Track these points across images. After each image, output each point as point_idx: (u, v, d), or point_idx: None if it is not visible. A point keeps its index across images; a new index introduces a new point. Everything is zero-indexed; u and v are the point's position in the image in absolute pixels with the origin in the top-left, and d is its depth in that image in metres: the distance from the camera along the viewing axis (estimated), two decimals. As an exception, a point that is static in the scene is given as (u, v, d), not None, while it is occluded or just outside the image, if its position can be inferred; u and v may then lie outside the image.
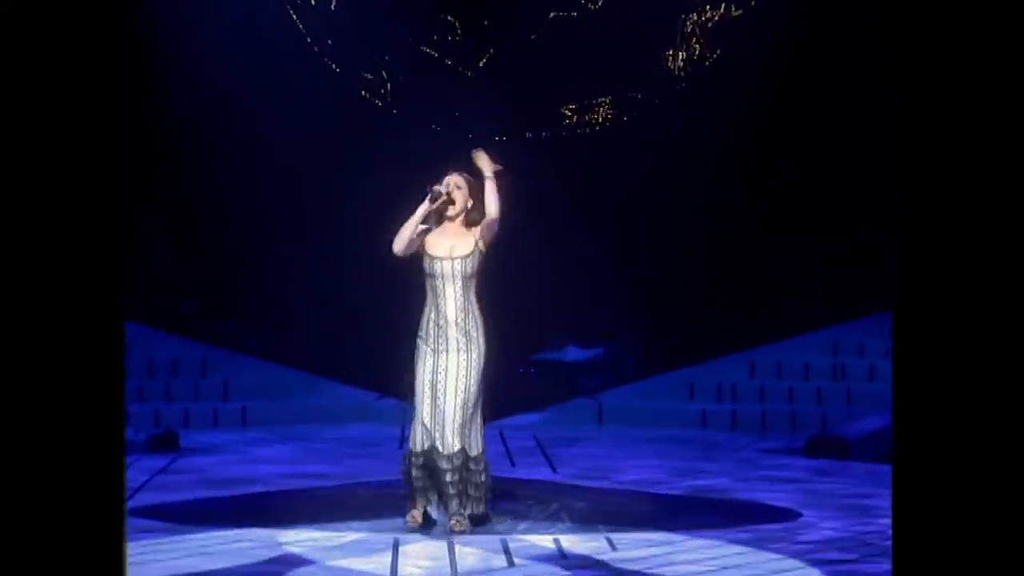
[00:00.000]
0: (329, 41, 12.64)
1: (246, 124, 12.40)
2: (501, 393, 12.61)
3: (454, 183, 7.43)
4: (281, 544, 7.12)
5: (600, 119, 12.91)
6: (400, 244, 7.34)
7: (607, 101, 12.87)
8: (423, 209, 7.34)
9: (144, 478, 8.96)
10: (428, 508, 7.43)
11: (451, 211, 7.40)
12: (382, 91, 12.78)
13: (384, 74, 12.77)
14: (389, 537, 7.27)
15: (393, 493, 7.92)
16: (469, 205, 7.45)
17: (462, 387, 7.34)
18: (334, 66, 12.69)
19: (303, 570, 6.58)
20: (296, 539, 7.23)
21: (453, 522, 7.38)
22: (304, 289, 12.65)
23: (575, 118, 12.90)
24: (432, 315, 7.35)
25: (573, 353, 13.15)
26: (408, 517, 7.43)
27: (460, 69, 12.75)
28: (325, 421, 12.23)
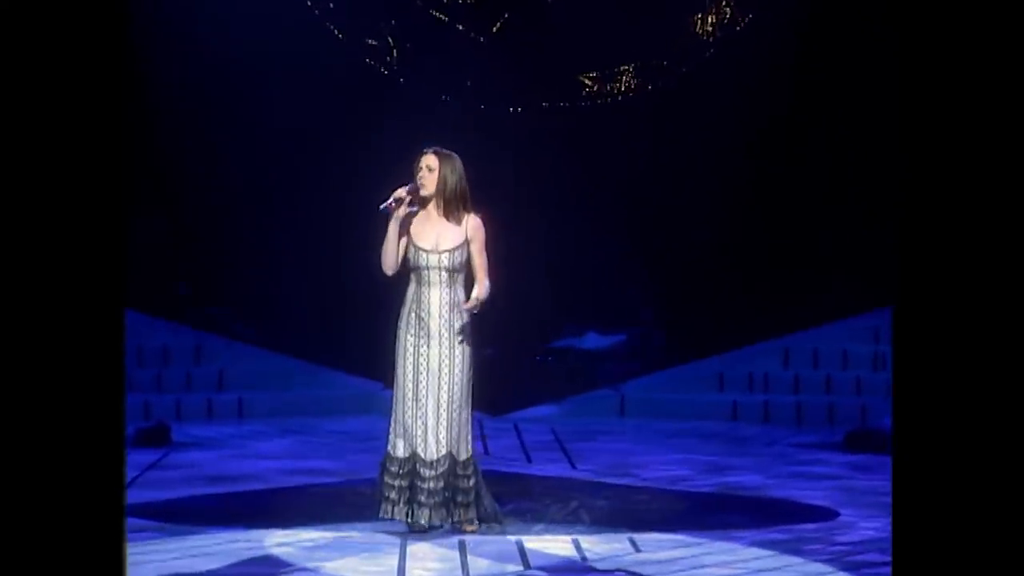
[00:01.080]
0: (331, 4, 12.63)
1: (241, 96, 12.41)
2: (516, 384, 12.71)
3: (426, 165, 7.38)
4: (280, 545, 7.14)
5: (622, 88, 12.89)
6: (388, 266, 7.36)
7: (630, 69, 12.85)
8: (392, 228, 7.33)
9: (133, 474, 8.99)
10: (406, 520, 7.38)
11: (424, 193, 7.37)
12: (387, 59, 12.77)
13: (390, 40, 12.75)
14: (395, 538, 7.28)
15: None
16: (448, 182, 7.34)
17: (445, 384, 7.33)
18: (336, 31, 12.68)
19: (303, 573, 6.60)
20: (296, 540, 7.25)
21: (466, 524, 7.39)
22: (304, 272, 12.66)
23: (595, 87, 12.88)
24: (414, 306, 7.36)
25: (593, 340, 13.16)
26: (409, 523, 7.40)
27: (472, 35, 12.73)
28: (327, 413, 12.25)
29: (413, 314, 7.36)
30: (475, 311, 7.29)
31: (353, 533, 7.40)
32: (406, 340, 7.37)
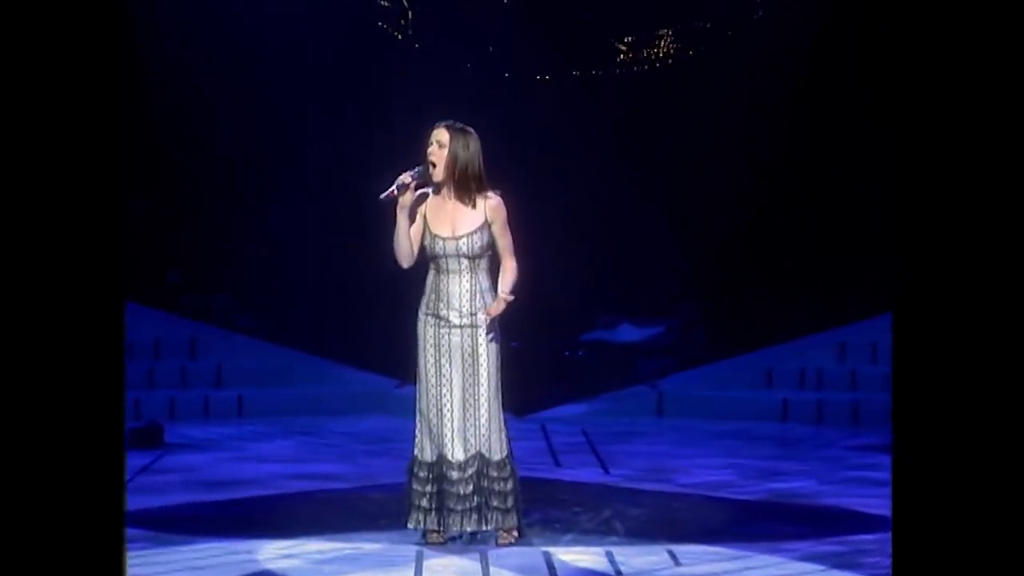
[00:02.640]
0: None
1: (240, 62, 12.43)
2: (543, 381, 12.72)
3: (436, 140, 7.35)
4: (284, 557, 7.16)
5: (661, 55, 12.87)
6: (403, 258, 7.35)
7: (669, 33, 12.84)
8: (401, 217, 7.31)
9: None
10: (437, 531, 7.40)
11: (435, 171, 7.35)
12: (401, 22, 12.78)
13: (404, 1, 12.76)
14: (411, 549, 7.31)
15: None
16: (459, 159, 7.30)
17: (471, 379, 7.35)
18: (344, -8, 12.70)
19: (310, 588, 6.64)
20: (302, 552, 7.27)
21: (503, 533, 7.40)
22: (311, 256, 12.69)
23: (631, 54, 12.87)
24: (433, 296, 7.37)
25: (628, 332, 13.16)
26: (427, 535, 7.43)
27: (494, -5, 12.74)
28: (336, 412, 12.28)
29: (433, 305, 7.37)
30: (504, 313, 7.30)
31: (365, 544, 7.43)
32: (426, 333, 7.38)
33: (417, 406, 7.42)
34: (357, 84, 12.56)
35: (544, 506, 8.19)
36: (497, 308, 7.31)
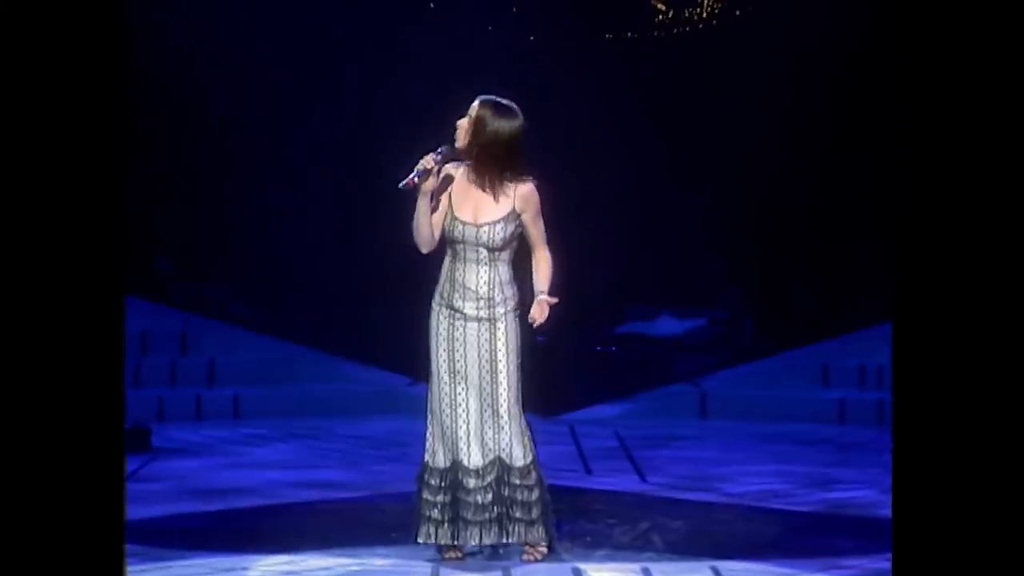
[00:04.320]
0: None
1: (234, 26, 12.43)
2: (572, 379, 12.72)
3: (468, 114, 7.32)
4: (285, 574, 7.18)
5: (704, 14, 12.86)
6: (423, 243, 7.34)
7: (713, -9, 12.83)
8: (423, 202, 7.30)
9: (106, 487, 9.05)
10: (454, 546, 7.41)
11: (458, 147, 7.32)
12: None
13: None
14: (425, 567, 7.32)
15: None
16: (481, 136, 7.27)
17: (488, 376, 7.35)
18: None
19: (314, 608, 6.66)
20: (304, 568, 7.29)
21: (529, 549, 7.40)
22: (314, 241, 12.71)
23: (670, 13, 12.86)
24: (447, 286, 7.36)
25: (666, 324, 13.16)
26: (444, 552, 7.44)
27: (518, -51, 12.73)
28: (340, 413, 12.30)
29: (447, 294, 7.38)
30: (544, 320, 7.30)
31: (374, 560, 7.45)
32: (439, 325, 7.38)
33: (428, 406, 7.42)
34: (368, 47, 12.56)
35: (574, 518, 8.20)
36: (541, 314, 7.31)
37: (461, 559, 7.39)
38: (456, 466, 7.34)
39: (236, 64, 12.43)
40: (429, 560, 7.38)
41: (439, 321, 7.40)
